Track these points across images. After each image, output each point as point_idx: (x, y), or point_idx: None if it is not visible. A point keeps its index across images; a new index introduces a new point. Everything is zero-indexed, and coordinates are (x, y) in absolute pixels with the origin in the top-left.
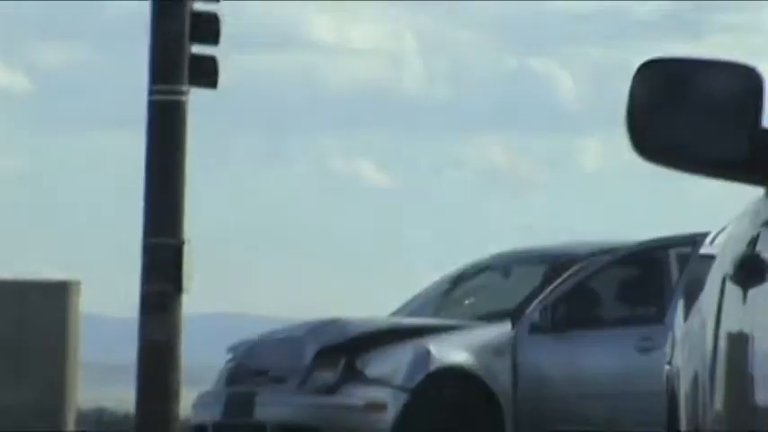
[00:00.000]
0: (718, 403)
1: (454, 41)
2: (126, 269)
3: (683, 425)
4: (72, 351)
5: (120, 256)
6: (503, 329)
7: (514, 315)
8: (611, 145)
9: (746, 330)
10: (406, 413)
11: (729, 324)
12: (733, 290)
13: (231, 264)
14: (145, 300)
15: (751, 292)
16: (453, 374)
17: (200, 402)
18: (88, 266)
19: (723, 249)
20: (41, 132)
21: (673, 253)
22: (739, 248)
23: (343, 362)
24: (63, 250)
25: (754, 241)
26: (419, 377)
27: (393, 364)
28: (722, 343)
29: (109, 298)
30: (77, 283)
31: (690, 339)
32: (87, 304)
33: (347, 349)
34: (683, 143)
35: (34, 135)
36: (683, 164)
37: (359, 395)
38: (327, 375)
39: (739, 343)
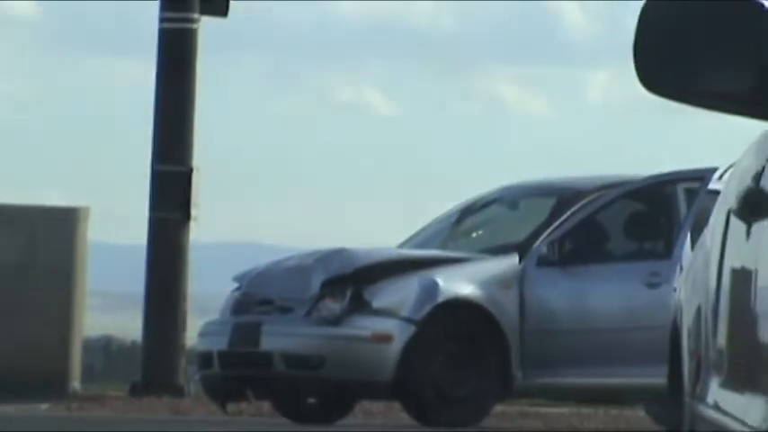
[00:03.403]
0: (721, 338)
1: None
2: (134, 196)
3: (685, 359)
4: (79, 278)
5: (129, 184)
6: (510, 262)
7: (522, 248)
8: (619, 79)
9: (750, 265)
10: (413, 345)
11: (733, 259)
12: (737, 224)
13: (239, 192)
14: (152, 227)
15: (755, 226)
16: (460, 307)
17: (206, 331)
18: (96, 193)
19: (728, 184)
20: (51, 58)
21: (681, 188)
22: (744, 183)
23: (350, 292)
24: (72, 177)
25: (758, 176)
26: (426, 309)
27: (400, 295)
28: (726, 278)
29: (117, 225)
30: (86, 210)
31: (694, 273)
32: (95, 231)
33: (354, 280)
34: (690, 76)
35: (43, 60)
36: (689, 97)
37: (365, 326)
38: (334, 306)
39: (743, 278)
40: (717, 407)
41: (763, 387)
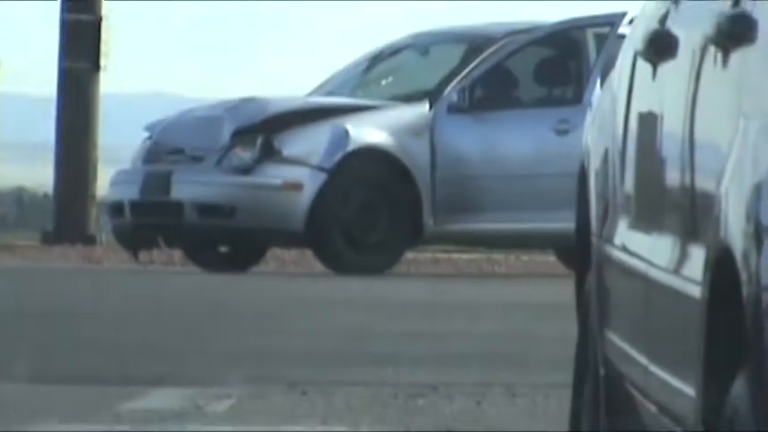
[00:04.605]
0: (629, 180)
1: None
2: (43, 46)
3: (593, 202)
4: None
5: (38, 33)
6: (421, 110)
7: (432, 95)
8: None
9: (656, 107)
10: (324, 193)
11: (640, 101)
12: (643, 66)
13: (149, 42)
14: (62, 77)
15: (661, 68)
16: (371, 154)
17: (117, 180)
18: (5, 45)
19: (634, 26)
20: None
21: (590, 33)
22: (650, 25)
23: (260, 141)
24: None
25: (664, 17)
26: (337, 157)
27: (311, 143)
28: (632, 120)
29: (26, 76)
30: None
31: (601, 117)
32: (4, 83)
33: (265, 129)
34: None
35: None
36: None
37: (276, 174)
38: (245, 155)
39: (649, 120)
40: (624, 248)
41: (669, 227)
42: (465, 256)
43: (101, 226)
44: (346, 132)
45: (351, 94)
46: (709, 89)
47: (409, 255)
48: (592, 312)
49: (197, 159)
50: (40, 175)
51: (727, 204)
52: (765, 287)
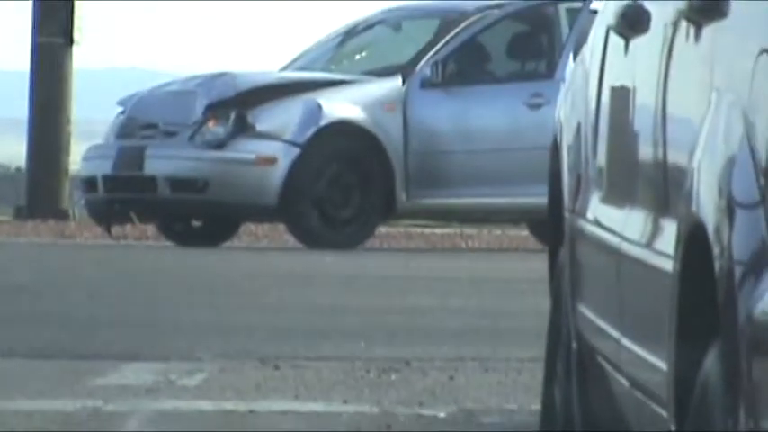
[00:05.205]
0: (601, 154)
1: None
2: (17, 21)
3: (565, 176)
4: None
5: (11, 7)
6: (394, 84)
7: (405, 70)
8: None
9: (628, 82)
10: (297, 167)
11: (612, 75)
12: (616, 41)
13: (122, 17)
14: (35, 52)
15: (633, 42)
16: (344, 129)
17: (90, 155)
18: None
19: (607, 1)
20: None
21: (563, 8)
22: None
23: (233, 116)
24: None
25: None
26: (310, 132)
27: (284, 118)
28: (605, 94)
29: None
30: None
31: (573, 91)
32: None
33: (238, 103)
34: None
35: None
36: None
37: (249, 149)
38: (218, 129)
39: (621, 94)
40: (597, 222)
41: (641, 201)
42: (438, 230)
43: (74, 201)
44: (319, 107)
45: (324, 69)
46: (681, 63)
47: (382, 229)
48: (564, 286)
49: (170, 134)
50: (13, 150)
51: (699, 178)
52: (737, 261)
